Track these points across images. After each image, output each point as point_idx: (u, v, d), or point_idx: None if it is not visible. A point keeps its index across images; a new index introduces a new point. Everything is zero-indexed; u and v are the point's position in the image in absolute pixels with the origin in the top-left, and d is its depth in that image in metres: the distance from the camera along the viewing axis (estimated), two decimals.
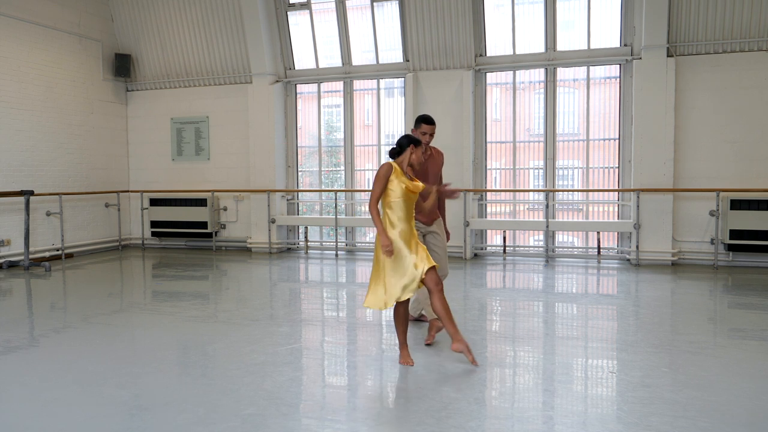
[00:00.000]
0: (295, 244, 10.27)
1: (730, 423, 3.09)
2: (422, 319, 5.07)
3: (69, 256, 9.55)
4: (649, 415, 3.19)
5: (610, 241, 8.94)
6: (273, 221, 9.89)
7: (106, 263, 9.18)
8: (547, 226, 8.64)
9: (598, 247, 8.65)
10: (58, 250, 9.36)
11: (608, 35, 8.57)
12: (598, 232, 8.69)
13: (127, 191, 10.83)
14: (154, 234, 10.60)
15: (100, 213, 10.29)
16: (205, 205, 10.11)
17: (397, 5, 9.13)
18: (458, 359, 4.17)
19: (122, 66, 10.43)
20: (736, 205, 7.77)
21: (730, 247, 7.94)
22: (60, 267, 8.67)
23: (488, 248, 9.36)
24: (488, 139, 9.19)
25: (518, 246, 9.33)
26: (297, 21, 9.91)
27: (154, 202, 10.49)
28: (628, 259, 8.49)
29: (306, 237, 10.02)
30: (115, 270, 8.77)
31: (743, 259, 8.06)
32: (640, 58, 8.17)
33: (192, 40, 10.23)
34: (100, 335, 4.96)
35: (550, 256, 8.87)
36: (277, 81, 9.96)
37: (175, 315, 5.62)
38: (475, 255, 9.14)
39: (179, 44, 10.33)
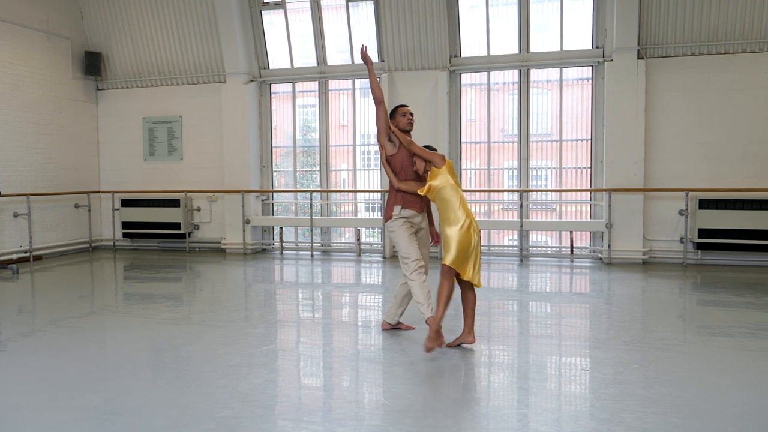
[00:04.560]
0: (269, 244, 10.19)
1: (699, 417, 3.16)
2: (399, 327, 4.98)
3: (37, 258, 9.33)
4: (620, 411, 3.24)
5: (582, 240, 9.07)
6: (247, 222, 9.81)
7: (76, 265, 9.00)
8: (521, 226, 8.73)
9: (571, 247, 8.77)
10: (26, 252, 9.14)
11: (580, 37, 8.69)
12: (571, 232, 8.81)
13: (98, 192, 10.64)
14: (125, 235, 10.42)
15: (69, 214, 10.08)
16: (178, 206, 9.98)
17: (373, 6, 9.13)
18: (433, 361, 4.18)
19: (92, 64, 10.23)
20: (705, 204, 7.95)
21: (699, 246, 8.12)
22: (28, 269, 8.47)
23: None
24: (463, 140, 9.25)
25: (493, 245, 9.40)
26: (271, 20, 9.84)
27: (126, 203, 10.32)
28: (601, 258, 8.62)
29: (281, 238, 9.96)
30: (85, 272, 8.60)
31: (711, 258, 8.25)
32: (612, 60, 8.31)
33: (164, 39, 10.09)
34: (70, 339, 4.85)
35: (524, 255, 8.96)
36: (252, 80, 9.88)
37: (147, 317, 5.53)
38: None
39: (151, 42, 10.17)
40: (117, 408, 3.37)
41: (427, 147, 4.66)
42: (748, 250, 7.93)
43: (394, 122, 4.77)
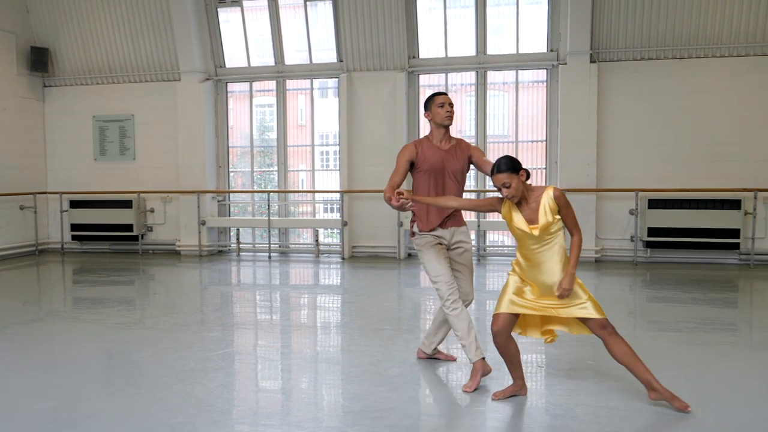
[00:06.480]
0: (226, 246, 10.02)
1: (649, 411, 3.25)
2: (437, 357, 4.20)
3: None
4: (574, 407, 3.31)
5: None
6: (203, 223, 9.62)
7: (22, 269, 8.64)
8: (479, 226, 8.84)
9: None
10: None
11: (536, 41, 8.86)
12: None
13: (45, 192, 10.24)
14: (74, 238, 10.08)
15: (14, 216, 9.67)
16: (131, 207, 9.70)
17: (331, 5, 9.08)
18: (391, 361, 4.18)
19: (39, 60, 9.85)
20: (654, 204, 8.22)
21: (648, 244, 8.39)
22: None
23: None
24: None
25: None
26: (228, 18, 9.68)
27: (75, 204, 9.97)
28: None
29: (238, 239, 9.81)
30: (31, 276, 8.27)
31: (660, 255, 8.53)
32: (566, 64, 8.50)
33: (116, 34, 9.79)
34: (15, 346, 4.65)
35: (481, 254, 9.08)
36: (207, 79, 9.70)
37: (98, 322, 5.36)
38: (409, 255, 9.22)
39: (102, 38, 9.86)
40: (65, 417, 3.24)
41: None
42: (694, 248, 8.24)
43: (430, 114, 3.86)
